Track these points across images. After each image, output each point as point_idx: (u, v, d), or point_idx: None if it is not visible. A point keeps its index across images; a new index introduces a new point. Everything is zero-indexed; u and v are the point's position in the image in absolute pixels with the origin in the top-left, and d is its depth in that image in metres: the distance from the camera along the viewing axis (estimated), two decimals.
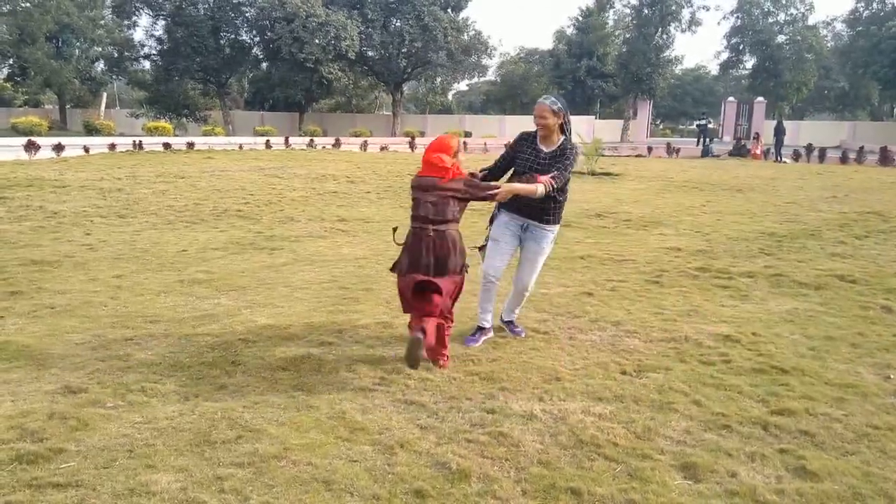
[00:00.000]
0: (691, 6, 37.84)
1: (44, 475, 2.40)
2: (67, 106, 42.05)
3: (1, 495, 2.28)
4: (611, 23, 44.54)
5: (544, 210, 3.68)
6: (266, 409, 3.00)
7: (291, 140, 27.04)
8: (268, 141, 25.77)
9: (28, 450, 2.57)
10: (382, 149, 26.34)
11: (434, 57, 36.35)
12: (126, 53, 37.38)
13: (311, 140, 27.37)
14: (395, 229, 3.64)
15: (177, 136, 26.85)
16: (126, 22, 36.84)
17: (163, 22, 35.33)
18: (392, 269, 3.59)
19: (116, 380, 3.29)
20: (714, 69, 52.25)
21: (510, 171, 3.83)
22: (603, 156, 18.62)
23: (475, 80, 49.51)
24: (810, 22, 41.22)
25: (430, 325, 3.29)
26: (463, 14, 38.90)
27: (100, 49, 39.78)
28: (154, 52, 36.60)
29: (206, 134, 26.85)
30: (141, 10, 35.63)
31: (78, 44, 38.72)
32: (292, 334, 4.01)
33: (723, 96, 43.77)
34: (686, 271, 5.90)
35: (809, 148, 23.26)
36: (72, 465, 2.48)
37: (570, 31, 46.08)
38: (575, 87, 44.92)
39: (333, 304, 4.65)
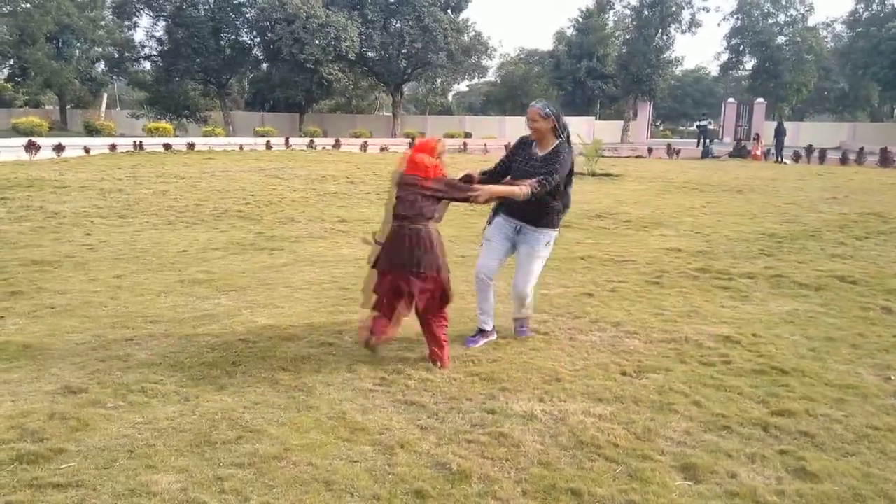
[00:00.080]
0: (691, 7, 37.85)
1: (44, 475, 2.40)
2: (68, 106, 42.06)
3: (1, 495, 2.28)
4: (611, 24, 44.55)
5: (538, 213, 3.67)
6: (266, 409, 3.00)
7: (292, 141, 27.04)
8: (268, 141, 25.77)
9: (28, 450, 2.57)
10: (382, 149, 26.34)
11: (434, 58, 36.35)
12: (126, 54, 37.37)
13: (312, 141, 27.37)
14: (374, 233, 3.69)
15: (177, 136, 26.83)
16: (126, 23, 36.83)
17: (163, 23, 35.33)
18: (372, 265, 3.63)
19: (117, 380, 3.29)
20: (714, 70, 52.29)
21: (509, 176, 3.84)
22: (603, 157, 18.62)
23: (475, 81, 49.56)
24: (810, 23, 41.23)
25: (382, 326, 3.54)
26: (463, 15, 38.91)
27: (100, 50, 39.79)
28: (154, 52, 36.60)
29: (206, 134, 26.82)
30: (141, 11, 35.63)
31: (78, 44, 38.73)
32: (293, 335, 4.01)
33: (723, 97, 43.78)
34: (686, 272, 5.90)
35: (809, 149, 23.27)
36: (72, 466, 2.48)
37: (570, 32, 46.08)
38: (575, 88, 44.92)
39: (334, 305, 4.65)
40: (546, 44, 65.21)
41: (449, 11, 37.29)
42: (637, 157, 24.98)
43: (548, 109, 3.61)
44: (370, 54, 37.72)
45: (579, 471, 2.51)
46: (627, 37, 40.14)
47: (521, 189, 3.52)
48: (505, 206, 3.78)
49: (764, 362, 3.67)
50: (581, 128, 28.74)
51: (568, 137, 3.71)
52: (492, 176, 3.86)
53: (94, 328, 4.10)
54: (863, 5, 39.18)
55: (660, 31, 37.46)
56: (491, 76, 51.77)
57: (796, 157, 22.96)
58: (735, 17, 42.08)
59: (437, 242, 3.50)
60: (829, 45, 44.19)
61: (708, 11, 65.49)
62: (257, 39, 36.80)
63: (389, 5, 36.61)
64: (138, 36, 41.10)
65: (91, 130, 24.36)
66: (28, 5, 34.65)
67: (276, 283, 5.36)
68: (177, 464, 2.50)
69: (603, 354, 3.78)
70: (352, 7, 35.58)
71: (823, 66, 42.94)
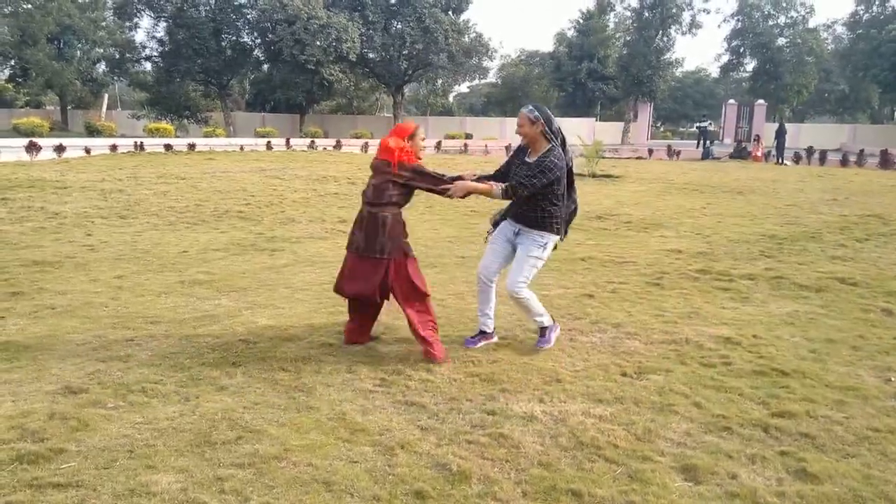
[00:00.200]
0: (692, 9, 37.89)
1: (44, 475, 2.40)
2: (69, 107, 42.07)
3: (1, 495, 2.28)
4: (611, 25, 44.59)
5: (534, 217, 3.66)
6: (266, 409, 3.00)
7: (292, 141, 27.06)
8: (269, 142, 25.80)
9: (29, 450, 2.57)
10: None
11: (435, 59, 36.37)
12: (127, 55, 37.38)
13: (312, 141, 27.39)
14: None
15: (178, 137, 26.86)
16: (127, 23, 36.83)
17: (164, 23, 35.34)
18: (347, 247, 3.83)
19: (117, 380, 3.29)
20: (714, 72, 52.27)
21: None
22: (603, 158, 18.63)
23: (476, 82, 49.57)
24: (810, 25, 41.24)
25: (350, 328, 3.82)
26: (464, 16, 38.94)
27: (101, 50, 39.82)
28: (155, 53, 36.61)
29: (207, 135, 26.85)
30: (142, 12, 35.64)
31: (79, 45, 38.76)
32: (293, 335, 4.01)
33: (723, 99, 43.81)
34: (687, 273, 5.90)
35: (810, 150, 23.27)
36: (72, 466, 2.48)
37: (570, 33, 46.12)
38: (576, 90, 44.95)
39: (334, 306, 4.65)
40: (547, 45, 65.33)
41: (450, 13, 37.31)
42: (637, 158, 24.98)
43: (535, 113, 3.58)
44: (371, 55, 37.75)
45: (579, 472, 2.51)
46: (628, 38, 40.18)
47: (494, 189, 3.58)
48: (509, 210, 3.84)
49: (764, 364, 3.66)
50: (581, 129, 28.76)
51: (563, 141, 3.65)
52: (489, 180, 3.84)
53: (94, 329, 4.11)
54: (863, 7, 39.20)
55: (660, 32, 37.49)
56: (492, 77, 51.83)
57: (797, 159, 22.96)
58: (735, 18, 42.10)
59: (389, 230, 3.59)
60: (829, 47, 44.21)
61: (708, 13, 65.67)
62: (258, 40, 36.82)
63: (390, 6, 36.64)
64: (139, 37, 41.31)
65: (92, 131, 24.38)
66: (29, 6, 34.71)
67: (277, 283, 5.36)
68: (177, 464, 2.50)
69: (603, 355, 3.78)
70: (353, 8, 35.62)
71: (824, 68, 42.94)
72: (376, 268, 3.60)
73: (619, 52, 42.16)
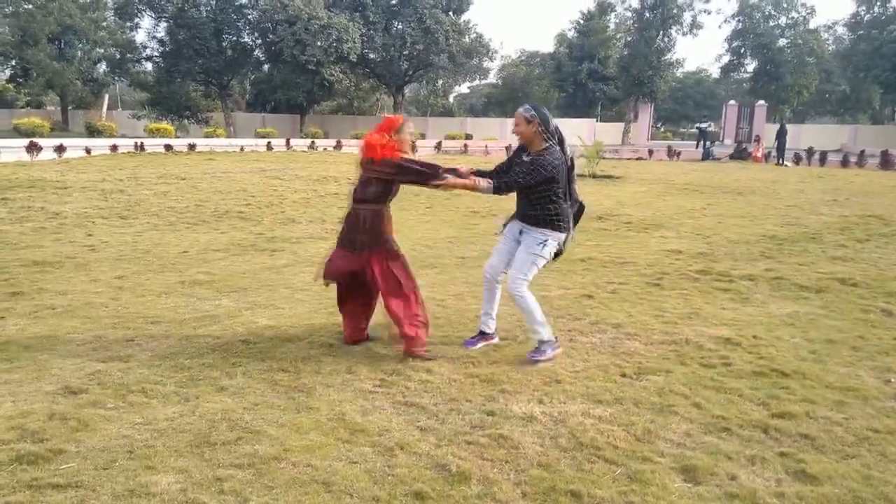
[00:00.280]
0: (692, 9, 37.84)
1: (44, 476, 2.40)
2: (69, 107, 42.09)
3: (1, 496, 2.28)
4: (612, 26, 44.59)
5: (534, 216, 3.67)
6: (266, 410, 3.00)
7: (293, 142, 27.06)
8: (269, 143, 25.80)
9: (28, 450, 2.57)
10: None
11: (435, 59, 36.38)
12: (128, 55, 37.40)
13: (313, 142, 27.39)
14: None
15: (178, 137, 26.87)
16: (128, 24, 36.85)
17: (165, 24, 35.35)
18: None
19: (117, 381, 3.29)
20: (715, 72, 52.26)
21: None
22: (604, 158, 18.63)
23: (476, 82, 49.58)
24: (811, 25, 41.22)
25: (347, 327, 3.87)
26: (464, 17, 38.91)
27: (102, 51, 39.83)
28: (156, 53, 36.63)
29: (207, 135, 26.85)
30: (143, 12, 35.66)
31: (80, 45, 38.77)
32: (293, 336, 4.01)
33: (724, 99, 43.79)
34: (687, 274, 5.90)
35: (810, 151, 23.27)
36: (72, 466, 2.48)
37: (571, 34, 46.12)
38: (576, 90, 44.95)
39: (334, 306, 4.63)
40: (547, 46, 65.40)
41: (450, 13, 37.32)
42: (638, 158, 24.99)
43: (531, 112, 3.59)
44: (372, 56, 37.76)
45: (579, 472, 2.51)
46: (628, 39, 40.15)
47: (480, 184, 3.62)
48: (516, 211, 3.85)
49: (764, 364, 3.66)
50: (582, 130, 28.74)
51: (560, 140, 3.63)
52: (487, 176, 3.85)
53: (94, 329, 4.11)
54: (864, 8, 39.19)
55: (661, 33, 37.47)
56: (492, 78, 51.84)
57: (797, 160, 22.95)
58: (736, 19, 42.09)
59: (369, 225, 3.66)
60: (830, 48, 44.19)
61: (709, 14, 65.49)
62: (259, 41, 36.83)
63: (391, 7, 36.66)
64: (140, 37, 41.32)
65: (92, 131, 24.39)
66: (30, 6, 34.73)
67: (277, 284, 5.36)
68: (176, 464, 2.50)
69: (603, 356, 3.78)
70: (353, 9, 35.63)
71: (825, 69, 42.93)
72: (357, 260, 3.71)
73: (619, 53, 42.15)
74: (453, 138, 31.74)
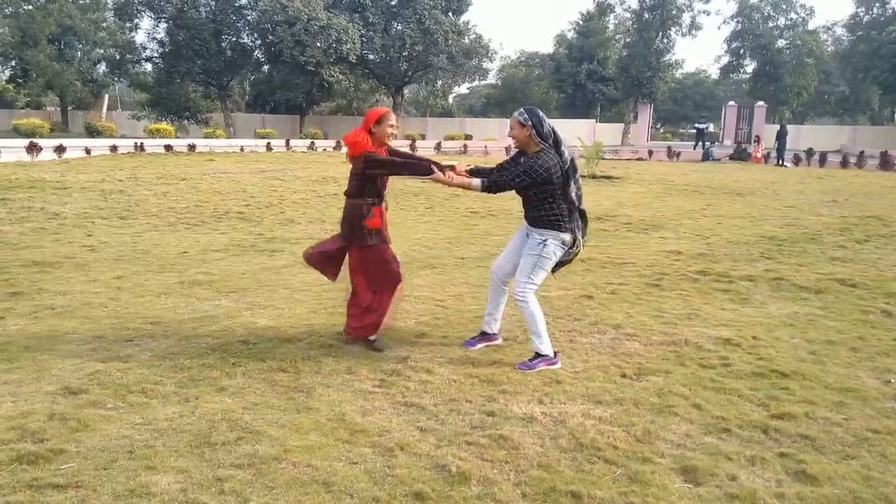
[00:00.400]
0: (692, 10, 37.92)
1: (44, 476, 2.40)
2: (69, 108, 42.10)
3: (1, 496, 2.28)
4: (611, 27, 44.64)
5: (534, 217, 3.67)
6: (266, 410, 3.00)
7: (292, 142, 27.08)
8: (269, 143, 25.81)
9: (28, 450, 2.57)
10: None
11: (435, 60, 36.39)
12: (128, 56, 37.39)
13: (312, 143, 27.40)
14: None
15: (178, 138, 26.87)
16: (128, 24, 36.85)
17: (164, 24, 35.35)
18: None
19: (117, 381, 3.29)
20: (714, 73, 52.35)
21: None
22: (603, 159, 18.65)
23: (476, 83, 49.61)
24: (810, 27, 41.29)
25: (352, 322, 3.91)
26: (464, 17, 38.95)
27: (101, 51, 39.84)
28: (156, 54, 36.63)
29: (207, 136, 26.87)
30: (143, 13, 35.66)
31: (80, 46, 38.79)
32: (292, 336, 4.01)
33: (723, 100, 43.82)
34: (686, 275, 5.90)
35: (810, 152, 23.29)
36: (72, 466, 2.48)
37: (570, 34, 46.17)
38: (576, 91, 44.98)
39: (333, 306, 4.65)
40: (546, 46, 65.32)
41: (450, 14, 37.34)
42: (637, 159, 25.00)
43: (525, 116, 3.59)
44: (371, 56, 37.78)
45: (579, 473, 2.51)
46: (628, 40, 40.21)
47: (472, 183, 3.65)
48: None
49: (764, 365, 3.67)
50: (581, 130, 28.76)
51: (555, 142, 3.61)
52: (486, 174, 3.86)
53: (94, 329, 4.11)
54: (863, 9, 39.24)
55: (660, 34, 37.52)
56: (491, 78, 51.86)
57: (796, 161, 22.97)
58: (735, 20, 42.15)
59: (349, 219, 3.76)
60: (829, 49, 44.26)
61: (708, 14, 65.64)
62: (258, 41, 36.84)
63: (391, 8, 36.68)
64: (139, 38, 41.31)
65: (92, 132, 24.39)
66: (30, 7, 34.74)
67: (277, 284, 5.37)
68: (176, 465, 2.50)
69: (603, 357, 3.78)
70: (353, 9, 35.66)
71: (824, 70, 42.99)
72: (342, 248, 3.87)
73: (618, 54, 42.20)
74: (453, 139, 31.77)
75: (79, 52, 38.81)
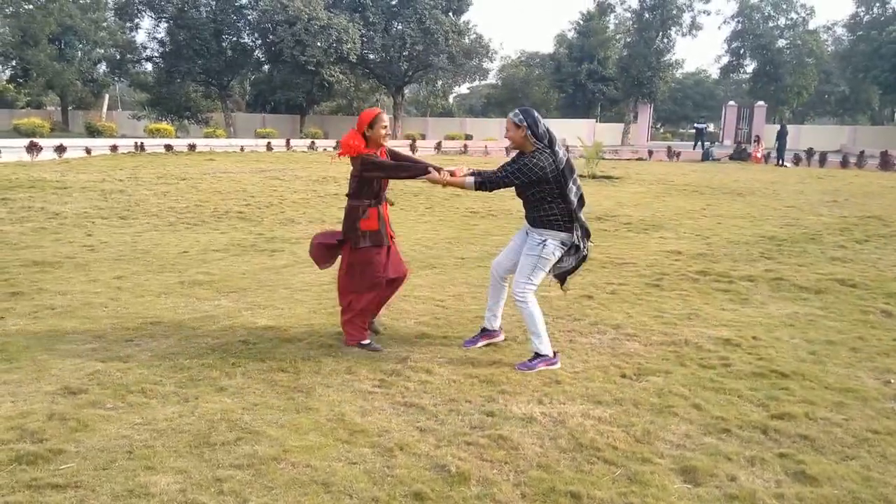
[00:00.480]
0: (692, 10, 37.92)
1: (43, 476, 2.40)
2: (69, 107, 42.11)
3: (0, 496, 2.28)
4: (611, 27, 44.62)
5: (533, 217, 3.68)
6: (265, 410, 3.00)
7: (292, 142, 27.08)
8: (269, 143, 25.81)
9: (27, 450, 2.57)
10: None
11: (435, 60, 36.39)
12: (128, 55, 37.41)
13: (313, 142, 27.41)
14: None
15: (178, 137, 26.89)
16: (128, 24, 36.85)
17: (165, 24, 35.36)
18: None
19: (116, 381, 3.29)
20: (715, 73, 52.34)
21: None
22: (603, 159, 18.64)
23: (476, 83, 49.59)
24: (811, 26, 41.28)
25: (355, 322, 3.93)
26: (464, 17, 38.93)
27: (102, 51, 39.86)
28: (156, 54, 36.64)
29: (207, 136, 26.88)
30: (143, 13, 35.67)
31: (80, 46, 38.79)
32: (292, 336, 4.01)
33: (723, 100, 43.81)
34: (686, 275, 5.90)
35: (810, 152, 23.28)
36: (71, 466, 2.48)
37: (570, 34, 46.16)
38: (576, 91, 44.97)
39: (333, 307, 4.65)
40: (547, 46, 65.32)
41: (450, 14, 37.34)
42: (637, 159, 25.00)
43: (520, 117, 3.61)
44: (371, 56, 37.78)
45: (578, 473, 2.51)
46: (628, 39, 40.21)
47: (466, 182, 3.69)
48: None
49: (764, 365, 3.66)
50: (582, 130, 28.76)
51: (550, 142, 3.61)
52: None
53: (94, 329, 4.11)
54: (863, 9, 39.23)
55: (660, 33, 37.51)
56: (492, 78, 51.86)
57: (796, 160, 22.97)
58: (736, 20, 42.14)
59: (350, 220, 3.80)
60: (829, 49, 44.25)
61: (709, 14, 65.62)
62: (259, 41, 36.85)
63: (391, 7, 36.68)
64: (140, 37, 41.33)
65: (92, 131, 24.40)
66: (30, 7, 34.75)
67: (277, 284, 5.37)
68: (175, 465, 2.50)
69: (602, 357, 3.78)
70: (353, 9, 35.65)
71: (824, 70, 42.98)
72: (340, 244, 3.95)
73: (619, 54, 42.19)
74: (453, 139, 31.78)
75: (79, 52, 38.82)
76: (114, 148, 20.99)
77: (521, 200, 3.76)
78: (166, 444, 2.66)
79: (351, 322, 3.86)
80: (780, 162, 22.66)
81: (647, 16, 37.40)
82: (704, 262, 6.44)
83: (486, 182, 3.65)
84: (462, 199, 10.64)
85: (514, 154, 3.91)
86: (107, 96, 45.01)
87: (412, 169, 3.78)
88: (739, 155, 25.06)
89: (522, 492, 2.39)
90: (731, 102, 39.09)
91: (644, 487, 2.42)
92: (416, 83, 44.04)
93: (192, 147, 22.99)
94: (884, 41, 34.88)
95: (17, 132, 22.59)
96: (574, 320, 4.48)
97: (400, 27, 36.28)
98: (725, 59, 43.98)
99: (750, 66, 43.44)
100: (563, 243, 3.64)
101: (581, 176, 16.75)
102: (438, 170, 3.68)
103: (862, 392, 3.32)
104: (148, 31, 61.08)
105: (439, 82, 42.47)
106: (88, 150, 19.76)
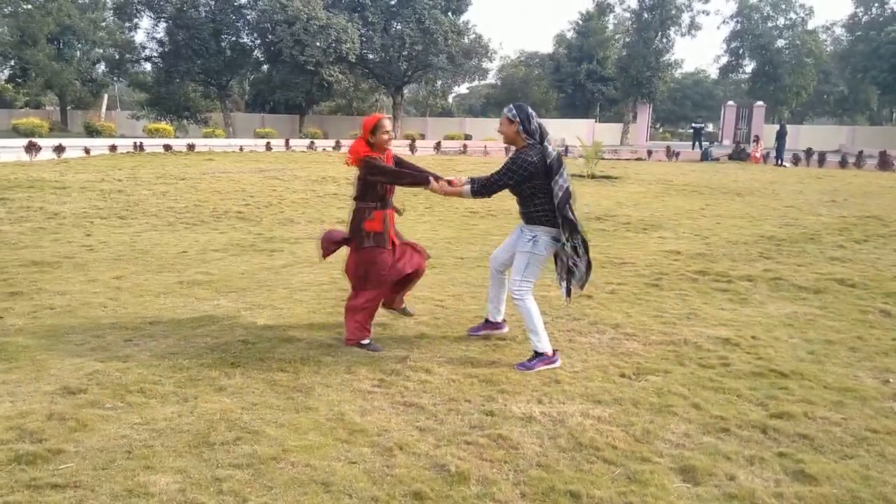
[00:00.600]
0: (691, 10, 37.97)
1: (42, 476, 2.40)
2: (68, 107, 42.07)
3: None
4: (611, 27, 44.67)
5: (525, 213, 3.71)
6: (265, 410, 3.00)
7: (292, 142, 27.07)
8: (268, 143, 25.80)
9: (27, 450, 2.57)
10: None
11: (434, 60, 36.40)
12: (127, 55, 37.41)
13: (312, 142, 27.40)
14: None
15: (177, 137, 26.87)
16: (127, 24, 36.85)
17: (164, 24, 35.35)
18: None
19: (115, 381, 3.29)
20: (714, 73, 52.38)
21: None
22: (603, 159, 18.65)
23: (475, 83, 49.66)
24: (810, 27, 41.34)
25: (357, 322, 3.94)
26: (463, 17, 38.99)
27: (101, 51, 39.83)
28: (155, 54, 36.63)
29: (206, 136, 26.87)
30: (142, 13, 35.66)
31: (79, 45, 38.78)
32: (292, 336, 4.01)
33: (722, 100, 43.85)
34: (685, 275, 5.90)
35: (809, 152, 23.30)
36: (70, 466, 2.47)
37: (570, 34, 46.20)
38: (575, 91, 45.01)
39: (333, 306, 4.65)
40: (546, 46, 65.22)
41: (449, 14, 37.36)
42: (636, 159, 25.01)
43: (513, 113, 3.63)
44: (371, 56, 37.79)
45: (578, 473, 2.51)
46: (627, 40, 40.24)
47: (463, 189, 3.74)
48: None
49: (763, 365, 3.67)
50: (581, 130, 28.76)
51: (542, 137, 3.60)
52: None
53: (93, 329, 4.10)
54: (862, 9, 39.29)
55: (659, 34, 37.55)
56: (491, 78, 51.91)
57: (795, 161, 22.99)
58: (735, 20, 42.20)
59: (353, 222, 3.90)
60: (828, 49, 44.31)
61: (708, 14, 65.65)
62: (258, 41, 36.85)
63: (390, 7, 36.68)
64: (139, 37, 41.33)
65: (91, 131, 24.39)
66: (29, 6, 34.72)
67: (276, 284, 5.36)
68: (175, 464, 2.50)
69: (602, 356, 3.78)
70: (352, 9, 35.66)
71: (823, 70, 43.04)
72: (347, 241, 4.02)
73: (618, 54, 42.24)
74: (452, 139, 31.76)
75: (78, 52, 38.80)
76: (113, 148, 20.97)
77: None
78: (165, 443, 2.66)
79: (352, 318, 3.88)
80: (779, 162, 22.68)
81: (646, 16, 37.44)
82: (703, 262, 6.44)
83: (482, 188, 3.68)
84: (462, 199, 10.60)
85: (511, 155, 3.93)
86: (106, 96, 44.97)
87: (414, 177, 3.89)
88: (738, 155, 25.08)
89: (522, 491, 2.39)
90: (730, 102, 39.12)
91: (643, 487, 2.42)
92: (415, 83, 44.07)
93: (191, 147, 22.98)
94: (882, 41, 34.94)
95: (16, 132, 22.58)
96: (573, 320, 4.48)
97: (399, 27, 36.29)
98: (724, 59, 44.06)
99: (749, 66, 43.52)
100: (554, 239, 3.64)
101: (580, 176, 16.63)
102: (438, 179, 3.79)
103: (861, 391, 3.32)
104: (147, 31, 61.13)
105: (438, 82, 42.51)
106: (87, 150, 19.75)
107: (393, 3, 36.78)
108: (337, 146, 27.01)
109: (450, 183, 3.82)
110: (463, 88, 54.99)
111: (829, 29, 45.76)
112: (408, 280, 4.16)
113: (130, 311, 4.51)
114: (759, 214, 9.98)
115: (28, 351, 3.69)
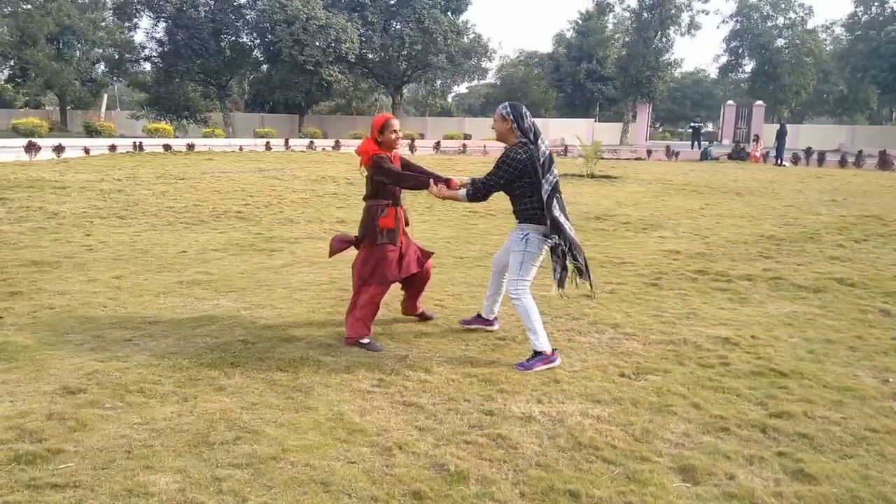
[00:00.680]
0: (691, 10, 37.95)
1: (42, 476, 2.40)
2: (68, 107, 42.06)
3: None
4: (610, 26, 44.67)
5: (517, 212, 3.72)
6: (264, 410, 3.00)
7: (291, 142, 27.06)
8: (268, 143, 25.80)
9: (26, 450, 2.57)
10: None
11: (434, 60, 36.40)
12: (127, 55, 37.40)
13: (311, 142, 27.39)
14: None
15: (177, 137, 26.87)
16: (127, 24, 36.86)
17: (163, 24, 35.35)
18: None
19: (115, 381, 3.29)
20: (713, 73, 52.37)
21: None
22: (602, 158, 18.65)
23: (475, 82, 49.67)
24: (809, 26, 41.34)
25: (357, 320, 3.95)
26: (463, 17, 38.99)
27: (100, 51, 39.83)
28: (155, 54, 36.62)
29: (206, 135, 26.86)
30: (142, 12, 35.67)
31: (79, 45, 38.77)
32: (291, 336, 4.01)
33: (722, 100, 43.85)
34: (685, 274, 5.90)
35: (808, 151, 23.31)
36: (70, 466, 2.48)
37: (569, 34, 46.20)
38: (574, 90, 45.01)
39: (332, 306, 4.65)
40: (546, 46, 65.25)
41: (449, 13, 37.35)
42: (636, 159, 25.02)
43: (507, 111, 3.65)
44: (370, 56, 37.78)
45: (577, 472, 2.51)
46: (627, 39, 40.23)
47: (459, 194, 3.77)
48: None
49: (762, 364, 3.67)
50: (580, 130, 28.75)
51: (535, 136, 3.60)
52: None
53: (92, 329, 4.10)
54: (862, 8, 39.29)
55: (659, 33, 37.54)
56: (491, 78, 51.94)
57: (795, 160, 22.99)
58: (734, 19, 42.20)
59: (365, 221, 3.95)
60: (828, 48, 44.31)
61: (707, 14, 65.65)
62: (257, 41, 36.84)
63: (390, 7, 36.67)
64: (138, 37, 41.34)
65: (91, 131, 24.38)
66: (29, 6, 34.71)
67: (275, 284, 5.36)
68: (175, 464, 2.50)
69: (601, 356, 3.78)
70: (352, 9, 35.65)
71: (822, 69, 43.04)
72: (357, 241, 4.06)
73: (617, 53, 42.23)
74: (452, 138, 31.75)
75: (78, 52, 38.80)
76: (112, 148, 20.97)
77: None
78: (165, 443, 2.66)
79: (354, 315, 3.89)
80: (779, 161, 22.68)
81: (645, 15, 37.43)
82: (703, 262, 6.45)
83: (476, 191, 3.70)
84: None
85: None
86: (105, 96, 44.94)
87: (415, 180, 3.91)
88: (738, 154, 25.08)
89: (521, 490, 2.39)
90: (730, 102, 39.11)
91: (643, 486, 2.42)
92: (414, 83, 44.07)
93: (190, 147, 22.97)
94: (882, 41, 34.95)
95: (16, 132, 22.56)
96: (573, 319, 4.48)
97: (398, 27, 36.28)
98: (724, 59, 44.05)
99: (748, 66, 43.52)
100: (545, 236, 3.65)
101: (580, 175, 16.61)
102: (438, 181, 3.83)
103: (860, 391, 3.32)
104: (146, 31, 61.09)
105: (438, 82, 42.53)
106: (87, 150, 19.74)
107: (392, 2, 36.77)
108: (336, 146, 27.00)
109: (449, 183, 3.84)
110: (462, 88, 55.08)
111: (829, 28, 45.82)
112: (415, 280, 4.17)
113: (130, 311, 4.51)
114: (759, 214, 9.98)
115: (28, 351, 3.69)
